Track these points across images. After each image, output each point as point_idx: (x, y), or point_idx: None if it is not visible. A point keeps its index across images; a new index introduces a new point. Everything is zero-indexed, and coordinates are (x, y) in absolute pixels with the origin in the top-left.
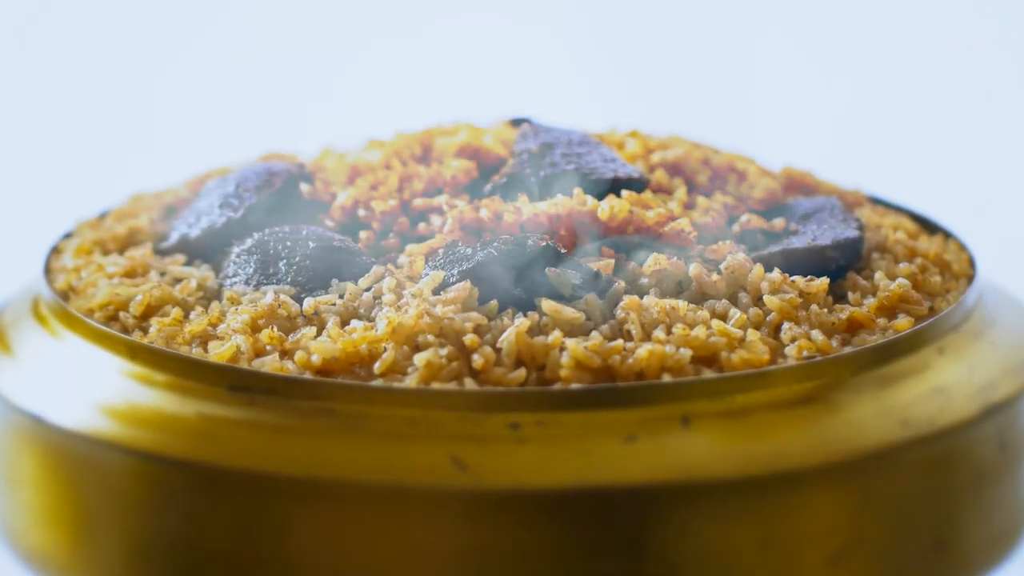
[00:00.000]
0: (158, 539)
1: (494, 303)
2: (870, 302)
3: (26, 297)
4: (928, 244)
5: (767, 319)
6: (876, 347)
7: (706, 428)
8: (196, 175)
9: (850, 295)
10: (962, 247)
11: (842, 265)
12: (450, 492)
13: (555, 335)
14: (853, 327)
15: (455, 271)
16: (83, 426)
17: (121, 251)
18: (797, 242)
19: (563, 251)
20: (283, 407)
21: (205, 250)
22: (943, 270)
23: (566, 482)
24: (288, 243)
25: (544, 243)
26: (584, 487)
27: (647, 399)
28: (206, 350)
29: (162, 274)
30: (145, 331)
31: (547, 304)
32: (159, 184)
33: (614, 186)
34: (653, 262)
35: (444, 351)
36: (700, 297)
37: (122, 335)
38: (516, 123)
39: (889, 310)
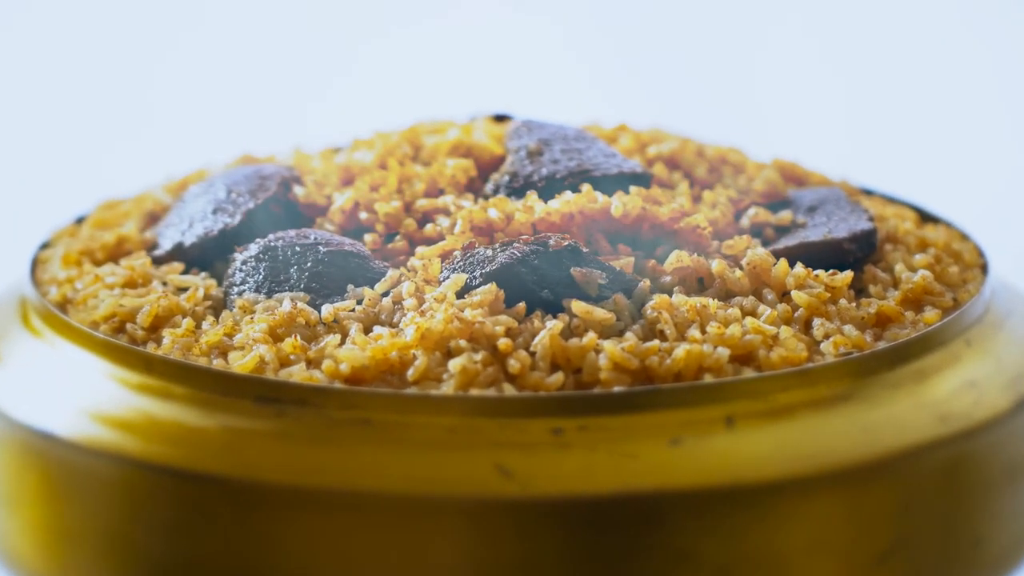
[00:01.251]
0: (182, 557)
1: (522, 305)
2: (892, 294)
3: (9, 306)
4: (936, 234)
5: (795, 315)
6: (910, 341)
7: (750, 429)
8: (171, 179)
9: (871, 288)
10: (964, 236)
11: (859, 257)
12: (497, 501)
13: (589, 337)
14: (882, 321)
15: (477, 273)
16: (94, 442)
17: (110, 260)
18: (813, 235)
19: (585, 250)
20: (315, 418)
21: (201, 257)
22: (956, 260)
23: (614, 488)
24: (297, 248)
25: (566, 242)
26: (633, 493)
27: (690, 400)
28: (226, 361)
29: (164, 284)
30: (157, 343)
31: (577, 305)
32: (128, 187)
33: (619, 182)
34: (675, 259)
35: (478, 356)
36: (724, 294)
37: (137, 348)
38: (498, 119)
39: (914, 303)
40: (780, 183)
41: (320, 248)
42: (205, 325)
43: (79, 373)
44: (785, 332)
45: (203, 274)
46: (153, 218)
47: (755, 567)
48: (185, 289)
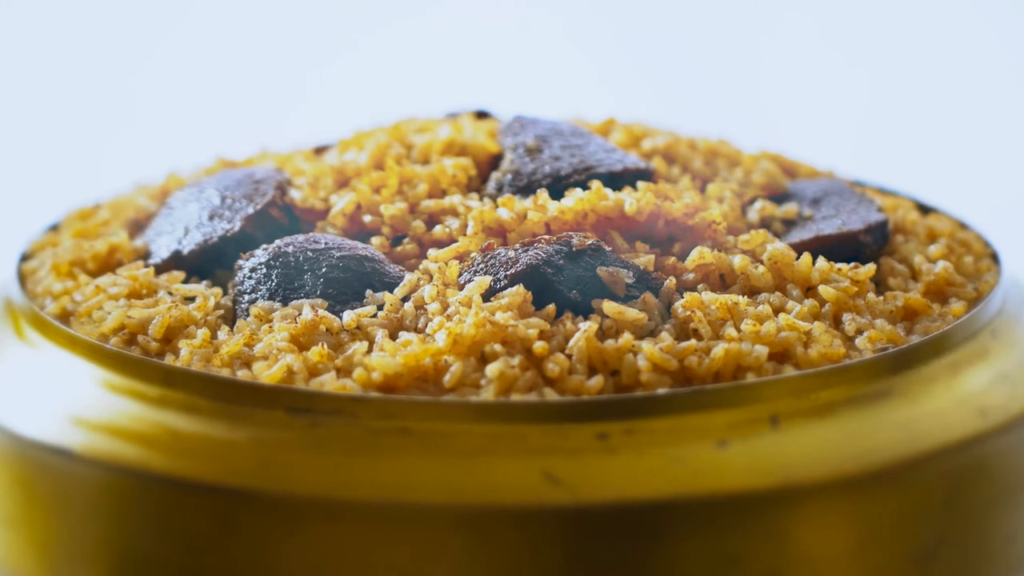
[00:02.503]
0: (213, 574)
1: (552, 307)
2: (914, 286)
3: None
4: (942, 224)
5: (822, 310)
6: (943, 334)
7: (794, 428)
8: (141, 184)
9: (890, 280)
10: (964, 225)
11: (874, 249)
12: (545, 509)
13: (625, 338)
14: (909, 314)
15: (502, 275)
16: (114, 457)
17: (102, 269)
18: (826, 228)
19: (608, 248)
20: (351, 428)
21: (199, 265)
22: (966, 249)
23: (666, 493)
24: (310, 254)
25: (590, 241)
26: (684, 498)
27: (735, 401)
28: (251, 371)
29: (170, 293)
30: (172, 355)
31: (609, 306)
32: (95, 193)
33: (624, 178)
34: (697, 256)
35: (515, 361)
36: (748, 290)
37: (155, 360)
38: (479, 116)
39: (936, 294)
40: (779, 175)
41: (334, 253)
42: (220, 335)
43: (89, 388)
44: (818, 328)
45: (204, 282)
46: (137, 225)
47: (805, 568)
48: (192, 298)
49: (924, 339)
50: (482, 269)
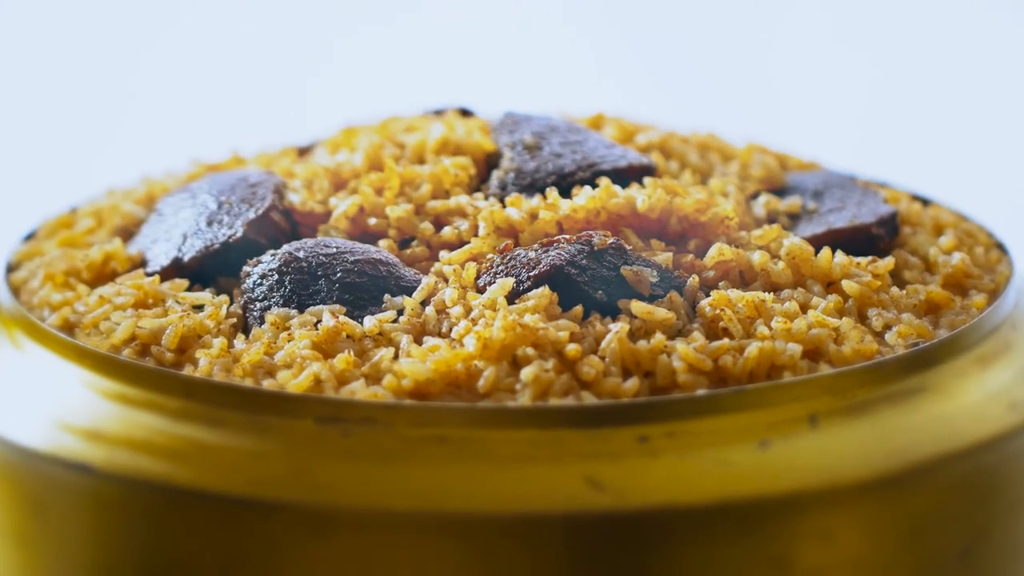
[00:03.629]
0: None
1: (579, 308)
2: (931, 279)
3: None
4: (943, 216)
5: (845, 305)
6: (970, 328)
7: (833, 427)
8: (117, 189)
9: (905, 273)
10: (964, 217)
11: (887, 242)
12: (590, 515)
13: (658, 338)
14: (932, 308)
15: (524, 276)
16: (138, 473)
17: (98, 278)
18: (838, 221)
19: (628, 248)
20: (386, 437)
21: (201, 272)
22: (974, 240)
23: (712, 496)
24: (323, 258)
25: (611, 240)
26: (729, 500)
27: (774, 400)
28: (276, 381)
29: (177, 302)
30: (188, 365)
31: (638, 306)
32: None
33: (628, 175)
34: (716, 253)
35: (549, 364)
36: (769, 287)
37: (175, 372)
38: (463, 114)
39: (955, 287)
40: (777, 168)
41: (347, 257)
42: (237, 344)
43: (102, 402)
44: (847, 324)
45: (208, 290)
46: (125, 233)
47: (849, 569)
48: (200, 307)
49: (953, 333)
50: (503, 271)
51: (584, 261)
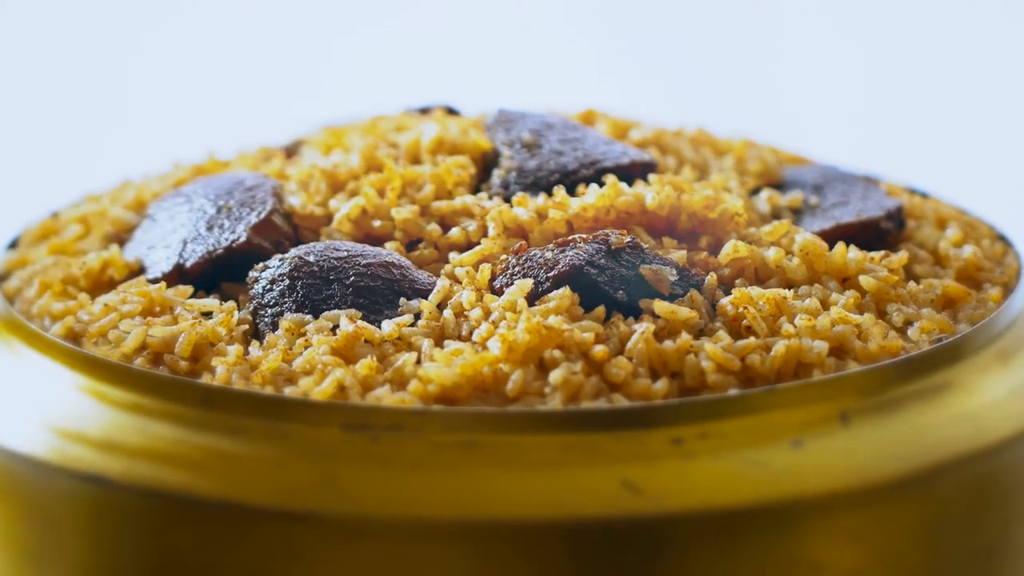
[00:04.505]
0: None
1: (601, 309)
2: (942, 272)
3: None
4: (944, 209)
5: (863, 301)
6: (990, 321)
7: (864, 425)
8: (90, 194)
9: (916, 267)
10: (963, 211)
11: (895, 235)
12: (627, 519)
13: (684, 338)
14: (948, 302)
15: (543, 277)
16: (157, 484)
17: (95, 286)
18: (845, 215)
19: (645, 246)
20: (415, 443)
21: (203, 278)
22: (977, 233)
23: (750, 498)
24: (334, 262)
25: (627, 239)
26: (767, 502)
27: (805, 399)
28: (298, 388)
29: (187, 310)
30: (202, 374)
31: (661, 306)
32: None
33: (631, 171)
34: (732, 251)
35: (577, 367)
36: (785, 284)
37: (194, 380)
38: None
39: (967, 280)
40: (774, 163)
41: (359, 260)
42: (257, 351)
43: (116, 412)
44: (869, 321)
45: (212, 295)
46: (117, 239)
47: (883, 568)
48: (208, 313)
49: (975, 327)
50: (519, 272)
51: (602, 260)
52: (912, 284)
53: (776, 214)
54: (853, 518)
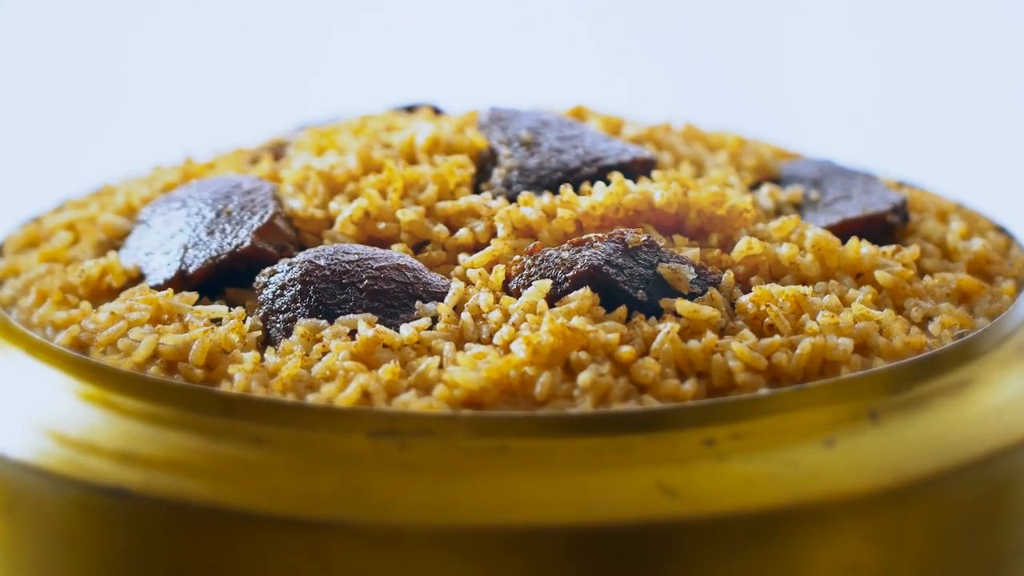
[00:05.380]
0: None
1: (622, 309)
2: (952, 266)
3: None
4: (941, 203)
5: (879, 296)
6: (1007, 315)
7: (893, 422)
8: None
9: (925, 261)
10: (960, 205)
11: (900, 229)
12: (663, 522)
13: (709, 337)
14: (963, 296)
15: (561, 277)
16: (179, 496)
17: (94, 294)
18: (851, 210)
19: (660, 244)
20: (444, 449)
21: (207, 283)
22: (978, 226)
23: (785, 498)
24: (346, 266)
25: (644, 237)
26: (802, 502)
27: (835, 397)
28: (320, 394)
29: (196, 316)
30: (214, 382)
31: (683, 305)
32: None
33: (633, 169)
34: (746, 247)
35: (605, 368)
36: (799, 280)
37: (213, 389)
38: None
39: (979, 274)
40: (770, 158)
41: (371, 264)
42: (274, 358)
43: (131, 422)
44: (889, 316)
45: (216, 301)
46: (108, 245)
47: (918, 568)
48: (218, 320)
49: (995, 322)
50: (536, 273)
51: (620, 260)
52: (927, 279)
53: (778, 209)
54: (888, 517)
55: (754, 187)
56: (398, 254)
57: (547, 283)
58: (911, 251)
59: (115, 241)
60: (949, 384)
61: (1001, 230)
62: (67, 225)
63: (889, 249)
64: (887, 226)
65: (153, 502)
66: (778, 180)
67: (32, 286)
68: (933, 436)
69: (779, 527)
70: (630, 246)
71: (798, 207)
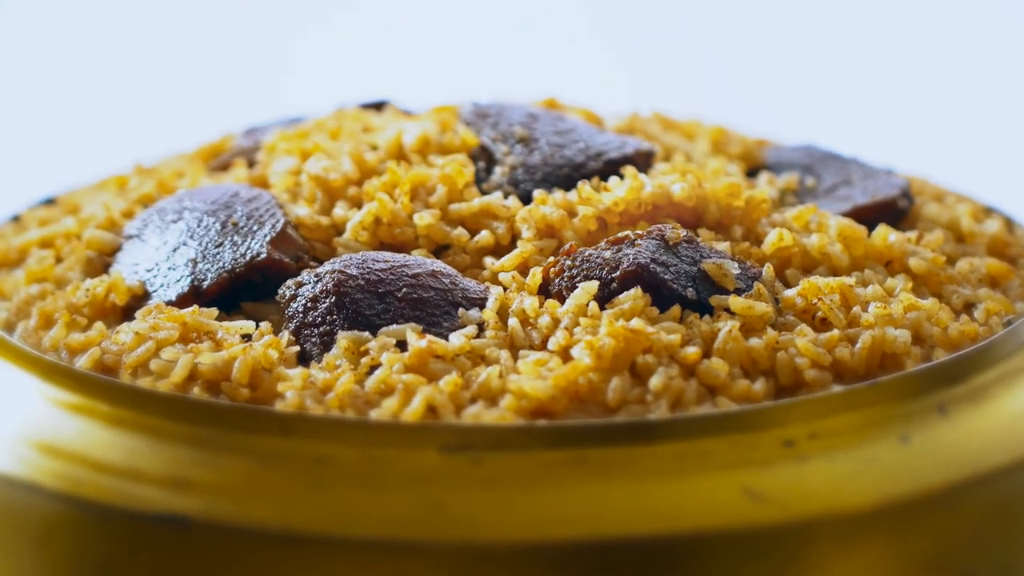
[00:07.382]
0: None
1: (676, 308)
2: (971, 249)
3: None
4: (928, 186)
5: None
6: None
7: (960, 415)
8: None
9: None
10: (945, 189)
11: (907, 214)
12: (752, 528)
13: (770, 334)
14: (993, 281)
15: (608, 279)
16: (240, 521)
17: (98, 314)
18: (859, 196)
19: (699, 239)
20: (521, 462)
21: (220, 298)
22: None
23: (873, 497)
24: (379, 274)
25: (684, 233)
26: (888, 500)
27: (904, 392)
28: (382, 408)
29: (228, 334)
30: (262, 401)
31: (736, 302)
32: None
33: (634, 161)
34: (777, 239)
35: (674, 371)
36: (831, 271)
37: (269, 409)
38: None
39: (999, 256)
40: (753, 145)
41: (405, 271)
42: (322, 375)
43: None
44: (935, 306)
45: (233, 316)
46: (98, 262)
47: (997, 566)
48: (247, 336)
49: None
50: (579, 274)
51: (664, 257)
52: (961, 264)
53: (781, 198)
54: (970, 513)
55: (749, 175)
56: (430, 260)
57: (594, 284)
58: (935, 236)
59: (104, 258)
60: (1005, 373)
61: (990, 211)
62: (39, 242)
63: (913, 235)
64: (897, 211)
65: (217, 529)
66: (766, 167)
67: (31, 308)
68: (1000, 427)
69: (867, 527)
70: (671, 242)
71: (797, 195)
